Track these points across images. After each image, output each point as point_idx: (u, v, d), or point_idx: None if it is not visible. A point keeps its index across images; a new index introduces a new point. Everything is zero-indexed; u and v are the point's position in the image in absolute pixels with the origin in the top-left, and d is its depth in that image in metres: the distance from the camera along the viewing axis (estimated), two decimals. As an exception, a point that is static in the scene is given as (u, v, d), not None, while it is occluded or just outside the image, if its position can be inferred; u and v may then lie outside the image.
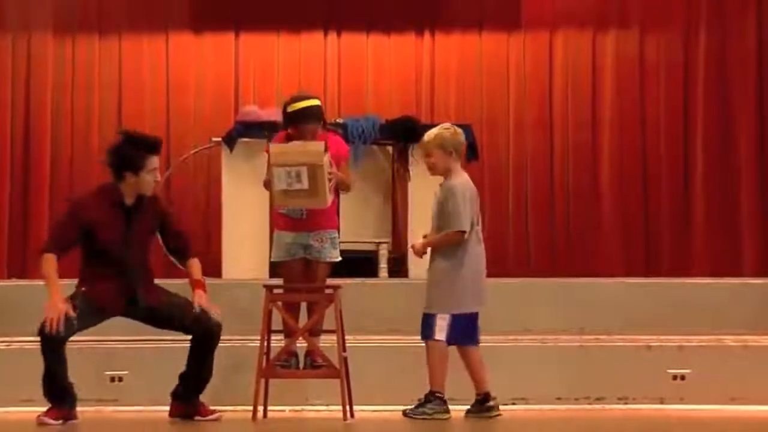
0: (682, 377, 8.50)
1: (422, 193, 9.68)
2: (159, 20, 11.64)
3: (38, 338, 7.04)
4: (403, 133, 9.90)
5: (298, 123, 7.62)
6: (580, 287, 9.34)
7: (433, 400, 7.42)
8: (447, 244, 7.42)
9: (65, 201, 7.28)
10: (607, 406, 8.40)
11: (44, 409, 7.18)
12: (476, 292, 7.46)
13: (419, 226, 9.55)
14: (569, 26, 11.76)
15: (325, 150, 7.36)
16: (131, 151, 7.18)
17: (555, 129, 11.70)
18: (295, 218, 7.67)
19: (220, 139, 9.99)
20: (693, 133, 11.56)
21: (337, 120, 10.43)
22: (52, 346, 7.02)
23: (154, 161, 7.23)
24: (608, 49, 11.72)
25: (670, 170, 11.58)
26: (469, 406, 7.51)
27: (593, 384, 8.46)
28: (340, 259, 7.80)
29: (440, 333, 7.38)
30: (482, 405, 7.50)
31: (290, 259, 7.71)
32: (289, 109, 7.69)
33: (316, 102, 7.72)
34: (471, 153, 10.00)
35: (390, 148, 10.03)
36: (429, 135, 7.51)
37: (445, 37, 11.77)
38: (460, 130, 7.57)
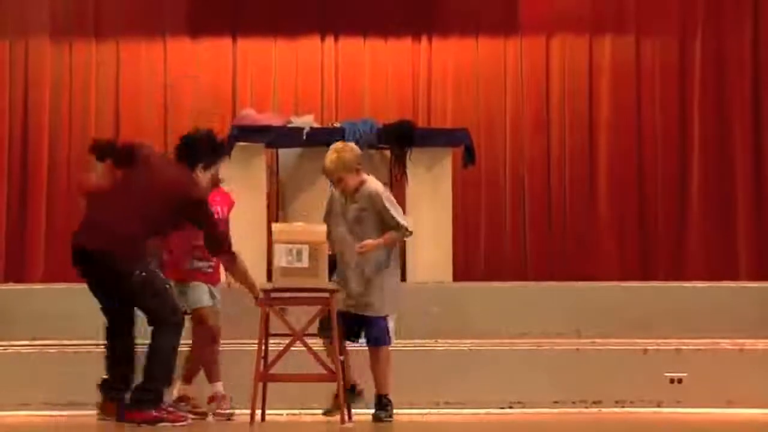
0: (679, 380, 8.53)
1: (420, 197, 9.74)
2: (156, 25, 11.65)
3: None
4: (401, 136, 9.91)
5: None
6: (576, 291, 9.36)
7: (389, 404, 7.63)
8: (394, 244, 7.69)
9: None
10: (604, 410, 8.42)
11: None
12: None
13: (417, 230, 9.59)
14: (566, 30, 11.77)
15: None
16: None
17: (552, 132, 11.71)
18: (206, 272, 7.97)
19: (217, 143, 9.98)
20: (689, 137, 11.58)
21: (335, 124, 10.46)
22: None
23: None
24: (605, 52, 11.73)
25: (667, 174, 11.59)
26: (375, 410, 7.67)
27: (590, 388, 8.48)
28: None
29: (393, 336, 7.64)
30: (381, 404, 7.66)
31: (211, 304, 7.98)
32: None
33: None
34: (468, 157, 10.06)
35: (387, 152, 10.04)
36: (332, 164, 7.64)
37: (442, 41, 11.78)
38: (351, 144, 7.78)
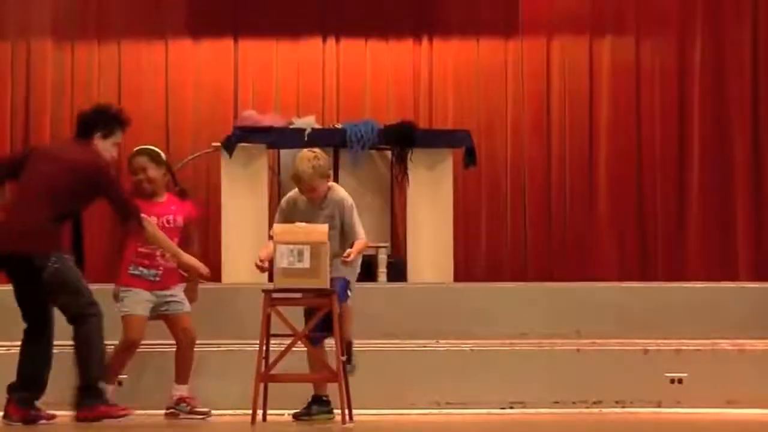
0: (679, 381, 8.55)
1: (421, 197, 9.76)
2: (158, 27, 11.67)
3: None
4: (402, 137, 9.94)
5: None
6: (576, 291, 9.37)
7: (351, 352, 7.74)
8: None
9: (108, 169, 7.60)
10: (604, 410, 8.44)
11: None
12: None
13: (418, 231, 9.64)
14: (566, 31, 11.79)
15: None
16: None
17: (552, 134, 11.73)
18: (150, 280, 7.99)
19: (219, 144, 10.03)
20: (689, 138, 11.60)
21: (336, 125, 10.48)
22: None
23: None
24: (605, 54, 11.75)
25: (666, 175, 11.61)
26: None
27: (590, 388, 8.50)
28: None
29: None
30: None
31: (143, 314, 7.97)
32: None
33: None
34: (469, 158, 10.08)
35: (389, 153, 10.07)
36: (305, 172, 7.69)
37: (443, 42, 11.80)
38: (318, 150, 7.84)
